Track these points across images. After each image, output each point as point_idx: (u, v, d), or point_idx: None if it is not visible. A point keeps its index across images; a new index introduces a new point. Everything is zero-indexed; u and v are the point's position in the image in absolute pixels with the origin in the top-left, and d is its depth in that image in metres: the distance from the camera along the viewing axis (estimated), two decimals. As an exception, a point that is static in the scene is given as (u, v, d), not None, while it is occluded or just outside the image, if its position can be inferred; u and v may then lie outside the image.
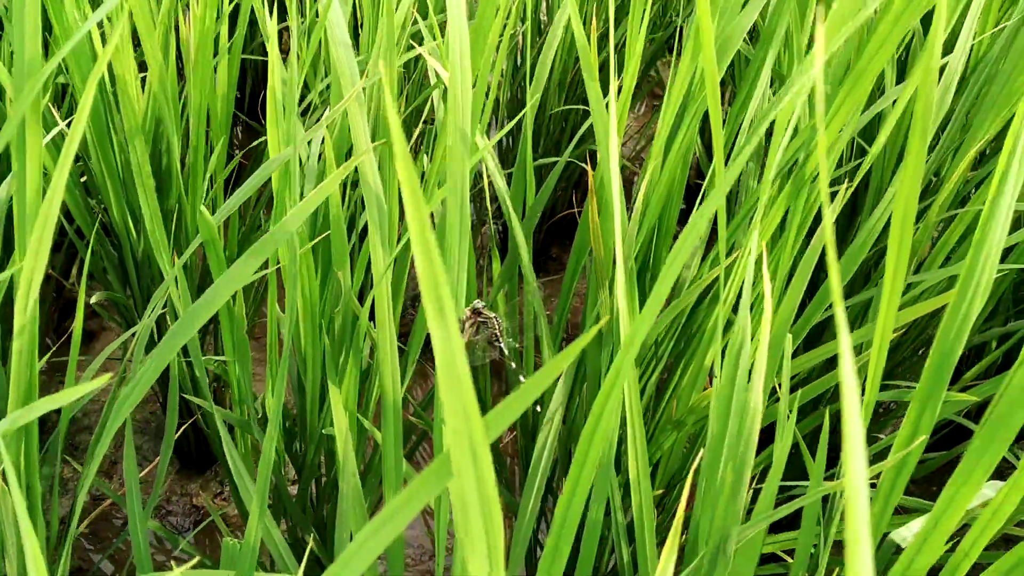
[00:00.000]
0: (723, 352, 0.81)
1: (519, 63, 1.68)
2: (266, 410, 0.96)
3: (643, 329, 0.58)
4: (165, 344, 0.69)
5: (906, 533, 0.79)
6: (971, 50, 1.14)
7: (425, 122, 1.54)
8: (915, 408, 0.63)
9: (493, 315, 0.80)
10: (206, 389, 1.00)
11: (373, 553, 0.32)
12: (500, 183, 0.97)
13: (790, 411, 0.68)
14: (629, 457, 0.86)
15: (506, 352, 0.82)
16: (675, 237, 1.09)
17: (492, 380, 1.17)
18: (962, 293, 0.60)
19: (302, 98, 1.41)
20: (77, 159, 1.28)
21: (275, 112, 0.76)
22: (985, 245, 0.57)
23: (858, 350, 1.09)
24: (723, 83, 1.83)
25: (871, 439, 1.37)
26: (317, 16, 1.30)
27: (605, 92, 0.99)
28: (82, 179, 1.30)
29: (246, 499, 0.87)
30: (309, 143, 1.00)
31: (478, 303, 0.78)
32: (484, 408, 1.39)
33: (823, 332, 1.25)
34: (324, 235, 0.88)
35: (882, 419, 1.44)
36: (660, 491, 1.08)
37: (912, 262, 1.16)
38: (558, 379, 0.99)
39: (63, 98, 1.44)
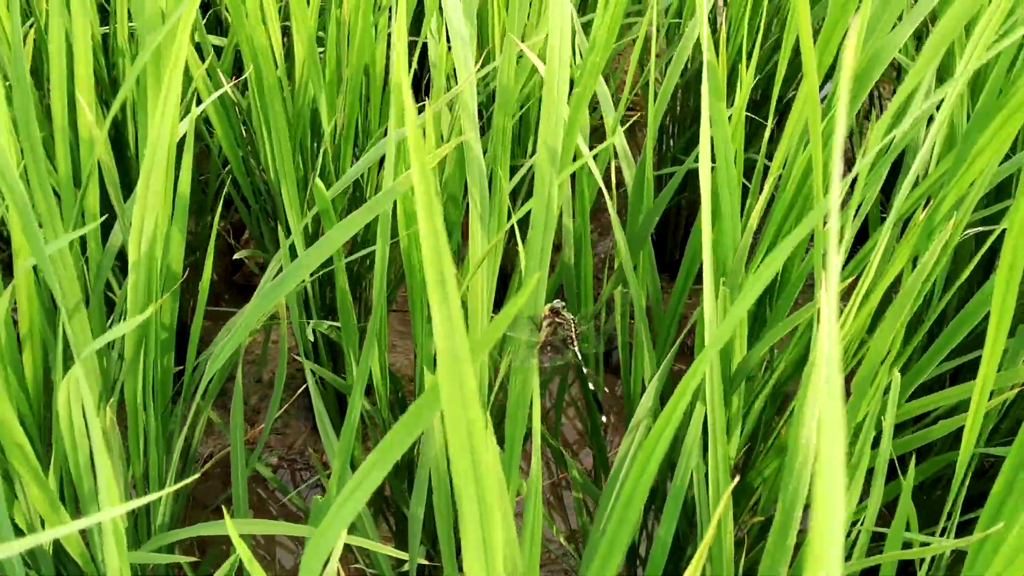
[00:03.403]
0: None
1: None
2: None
3: (727, 331, 0.57)
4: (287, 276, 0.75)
5: None
6: None
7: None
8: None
9: (571, 317, 0.80)
10: (324, 355, 1.06)
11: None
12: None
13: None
14: (710, 470, 0.84)
15: (579, 356, 0.82)
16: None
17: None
18: None
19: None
20: (244, 123, 1.38)
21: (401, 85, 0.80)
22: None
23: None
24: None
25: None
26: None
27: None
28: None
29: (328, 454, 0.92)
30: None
31: (557, 303, 0.79)
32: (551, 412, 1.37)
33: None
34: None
35: None
36: (760, 518, 1.05)
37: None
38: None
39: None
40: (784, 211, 0.99)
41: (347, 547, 1.33)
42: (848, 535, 1.06)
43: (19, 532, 0.91)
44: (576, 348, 0.82)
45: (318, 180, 0.79)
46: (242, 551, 0.62)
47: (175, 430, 1.00)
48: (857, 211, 1.02)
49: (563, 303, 0.78)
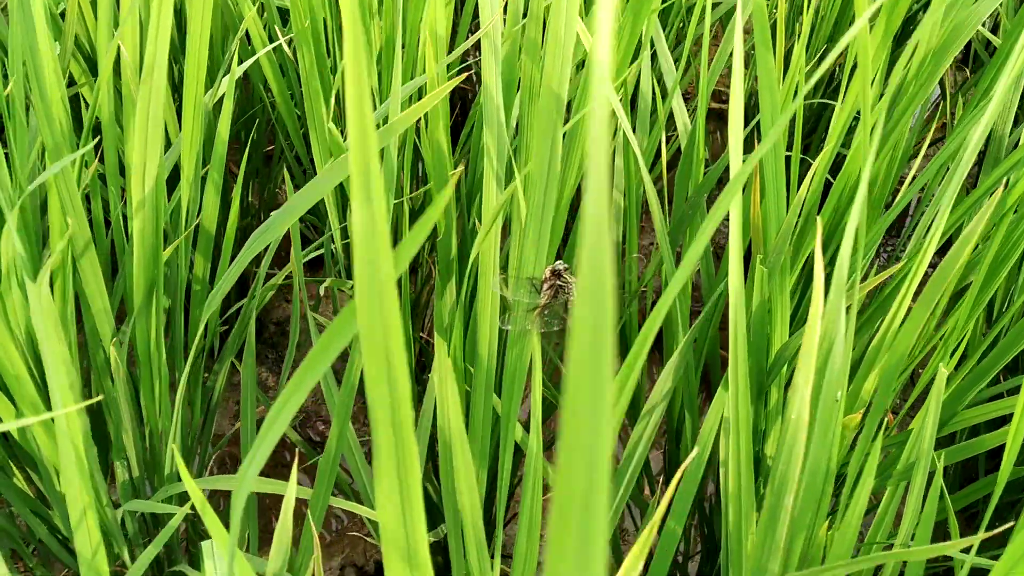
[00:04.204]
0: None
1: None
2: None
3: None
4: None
5: None
6: None
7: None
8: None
9: (574, 280, 0.74)
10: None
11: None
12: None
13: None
14: (730, 464, 0.78)
15: None
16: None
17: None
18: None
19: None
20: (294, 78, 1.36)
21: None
22: None
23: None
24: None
25: None
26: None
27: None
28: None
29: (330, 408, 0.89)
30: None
31: (559, 265, 0.73)
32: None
33: None
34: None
35: None
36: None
37: None
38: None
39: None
40: (846, 190, 0.91)
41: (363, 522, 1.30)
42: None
43: (31, 464, 0.92)
44: None
45: (331, 125, 0.76)
46: (196, 498, 0.59)
47: (178, 380, 0.99)
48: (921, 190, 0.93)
49: (565, 265, 0.72)
